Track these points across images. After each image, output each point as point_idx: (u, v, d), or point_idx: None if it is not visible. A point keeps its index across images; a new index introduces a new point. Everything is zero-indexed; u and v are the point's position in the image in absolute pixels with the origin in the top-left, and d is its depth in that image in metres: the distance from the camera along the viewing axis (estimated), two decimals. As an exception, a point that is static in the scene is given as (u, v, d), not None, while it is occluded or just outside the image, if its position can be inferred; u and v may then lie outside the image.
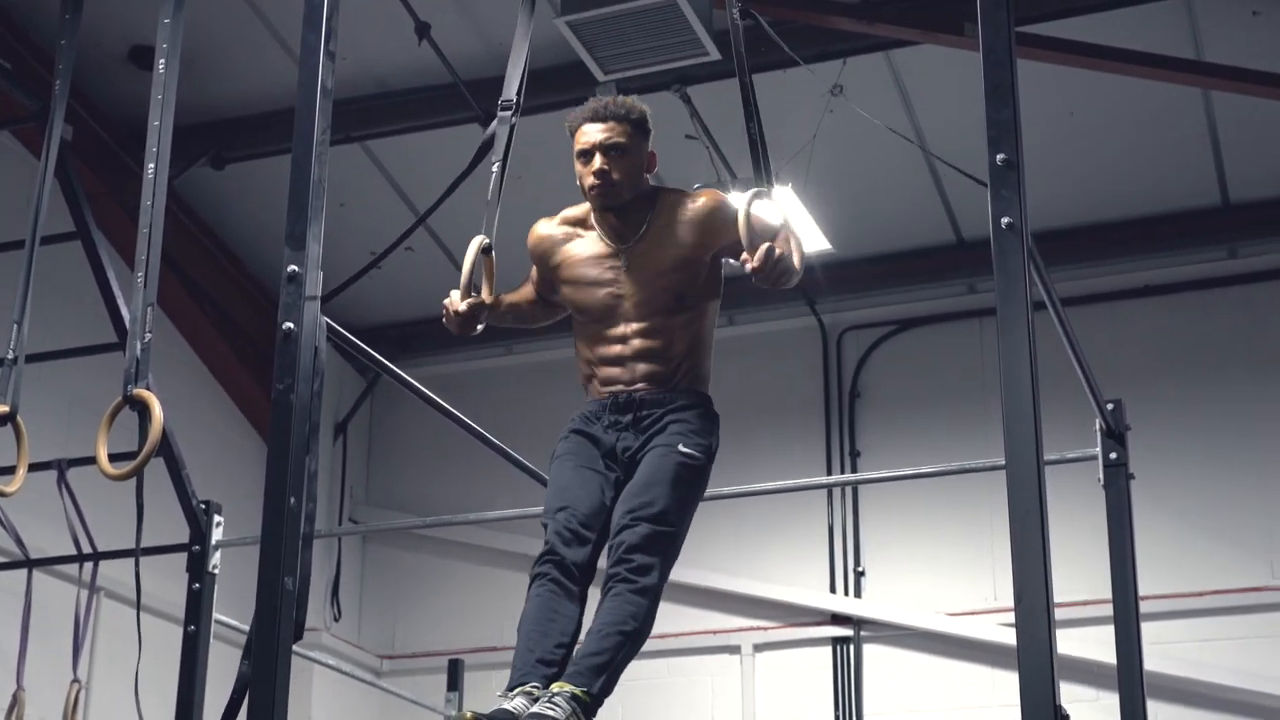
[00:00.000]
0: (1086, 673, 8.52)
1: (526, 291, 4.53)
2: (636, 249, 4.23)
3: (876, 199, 9.53)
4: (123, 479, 4.27)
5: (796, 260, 3.99)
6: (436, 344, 10.46)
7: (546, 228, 4.39)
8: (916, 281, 10.01)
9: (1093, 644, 8.07)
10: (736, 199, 4.17)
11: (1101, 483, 4.79)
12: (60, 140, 5.08)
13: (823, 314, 10.24)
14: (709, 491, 4.31)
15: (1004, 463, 3.05)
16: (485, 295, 4.24)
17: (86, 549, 5.17)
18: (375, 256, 8.93)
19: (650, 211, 4.25)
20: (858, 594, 9.80)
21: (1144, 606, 4.79)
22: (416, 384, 4.88)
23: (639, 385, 4.20)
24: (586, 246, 4.30)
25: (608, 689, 3.81)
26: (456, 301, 4.21)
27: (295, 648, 3.29)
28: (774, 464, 9.32)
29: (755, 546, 10.01)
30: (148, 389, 4.31)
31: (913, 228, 9.79)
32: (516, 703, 3.73)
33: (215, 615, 5.56)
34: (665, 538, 3.98)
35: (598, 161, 4.20)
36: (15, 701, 5.18)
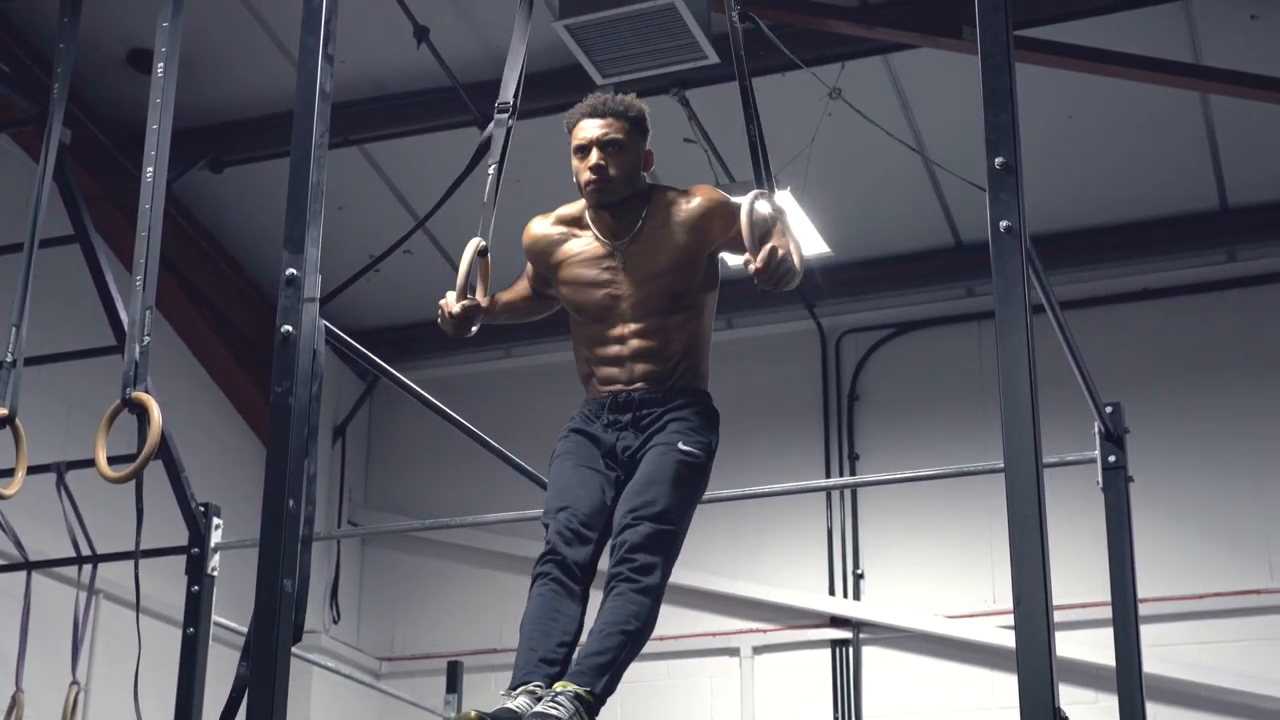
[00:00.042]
0: (1085, 675, 8.51)
1: (521, 288, 4.52)
2: (631, 248, 4.22)
3: (875, 202, 9.53)
4: (122, 481, 4.27)
5: (796, 261, 3.99)
6: (435, 347, 10.46)
7: (541, 227, 4.37)
8: (915, 285, 10.01)
9: (1092, 646, 8.07)
10: (738, 198, 4.17)
11: (1100, 485, 4.79)
12: (59, 143, 5.09)
13: (821, 317, 10.24)
14: (708, 494, 4.31)
15: (1003, 466, 3.05)
16: (480, 297, 4.23)
17: (85, 551, 5.17)
18: (373, 259, 8.92)
19: (645, 209, 4.24)
20: (857, 596, 9.80)
21: (1143, 609, 4.78)
22: (415, 387, 4.88)
23: (637, 385, 4.19)
24: (582, 246, 4.29)
25: (610, 688, 3.82)
26: (452, 303, 4.20)
27: (294, 650, 3.30)
28: (773, 467, 9.32)
29: (754, 549, 10.02)
30: (146, 392, 4.31)
31: (911, 231, 9.79)
32: (519, 702, 3.73)
33: (214, 617, 5.55)
34: (667, 536, 3.99)
35: (594, 157, 4.19)
36: (14, 703, 5.18)
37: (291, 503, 3.31)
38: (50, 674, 5.82)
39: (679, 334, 4.21)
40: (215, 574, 5.56)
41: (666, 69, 7.60)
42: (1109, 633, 4.65)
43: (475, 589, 10.45)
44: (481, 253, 4.18)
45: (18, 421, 4.76)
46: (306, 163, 3.52)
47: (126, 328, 4.45)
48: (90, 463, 4.39)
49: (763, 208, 4.01)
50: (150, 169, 4.47)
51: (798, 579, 9.91)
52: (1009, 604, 2.99)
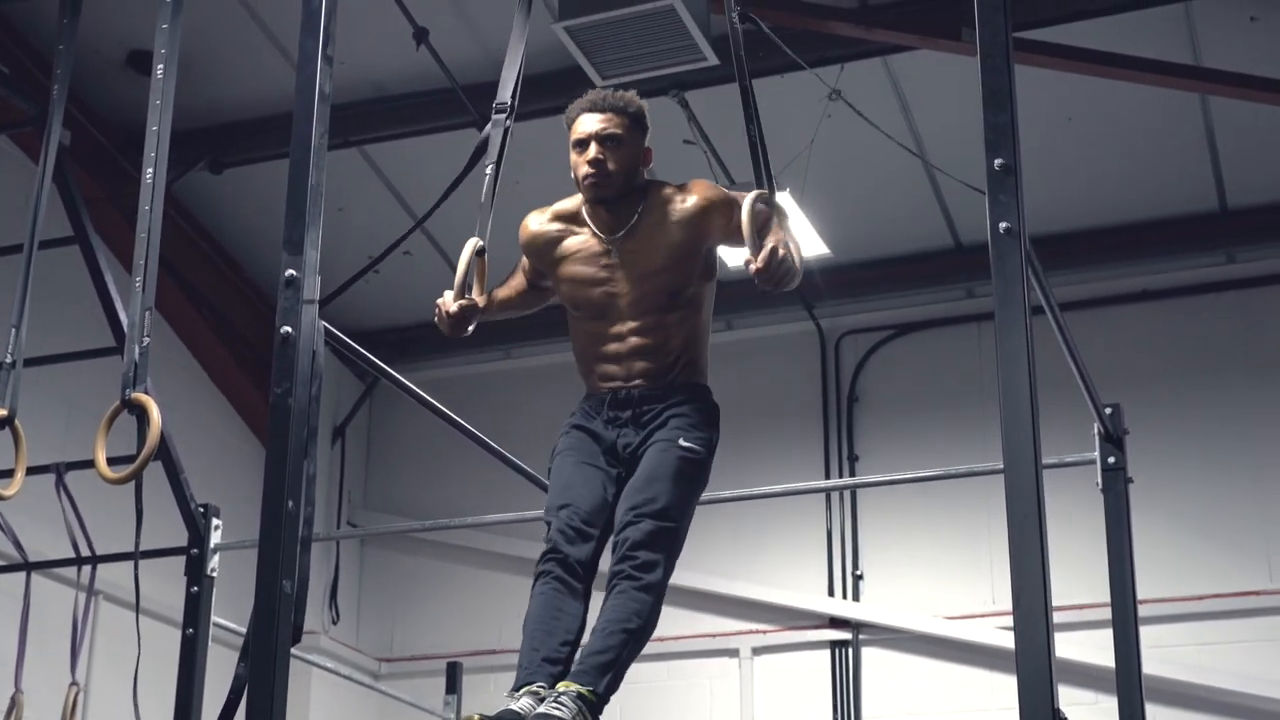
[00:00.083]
0: (1085, 676, 8.52)
1: (516, 283, 4.49)
2: (628, 246, 4.21)
3: (874, 204, 9.54)
4: (121, 482, 4.27)
5: (796, 261, 3.99)
6: (435, 348, 10.46)
7: (538, 222, 4.35)
8: (914, 286, 10.02)
9: (1091, 647, 8.07)
10: (739, 195, 4.17)
11: (1100, 487, 4.79)
12: (58, 145, 5.09)
13: (821, 318, 10.24)
14: (708, 495, 4.31)
15: (1002, 467, 3.05)
16: (477, 297, 4.23)
17: (85, 552, 5.17)
18: (372, 260, 8.92)
19: (642, 204, 4.23)
20: (856, 597, 9.80)
21: (1142, 610, 4.78)
22: (414, 388, 4.87)
23: (636, 381, 4.19)
24: (580, 243, 4.27)
25: (613, 687, 3.82)
26: (449, 302, 4.20)
27: (293, 650, 3.30)
28: (772, 468, 9.32)
29: (754, 550, 10.02)
30: (146, 393, 4.32)
31: (911, 232, 9.79)
32: (523, 703, 3.73)
33: (214, 618, 5.55)
34: (668, 533, 3.99)
35: (593, 150, 4.18)
36: (14, 704, 5.18)
37: (291, 503, 3.31)
38: (50, 675, 5.82)
39: (677, 330, 4.21)
40: (215, 575, 5.56)
41: (666, 70, 7.61)
42: (1108, 634, 4.65)
43: (474, 590, 10.45)
44: (479, 252, 4.18)
45: (17, 422, 4.76)
46: (306, 164, 3.52)
47: (126, 329, 4.46)
48: (90, 463, 4.39)
49: (762, 208, 4.01)
50: (150, 170, 4.48)
51: (797, 580, 9.91)
52: (1008, 605, 3.00)
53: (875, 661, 9.70)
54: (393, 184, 9.50)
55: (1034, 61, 7.63)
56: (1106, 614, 4.67)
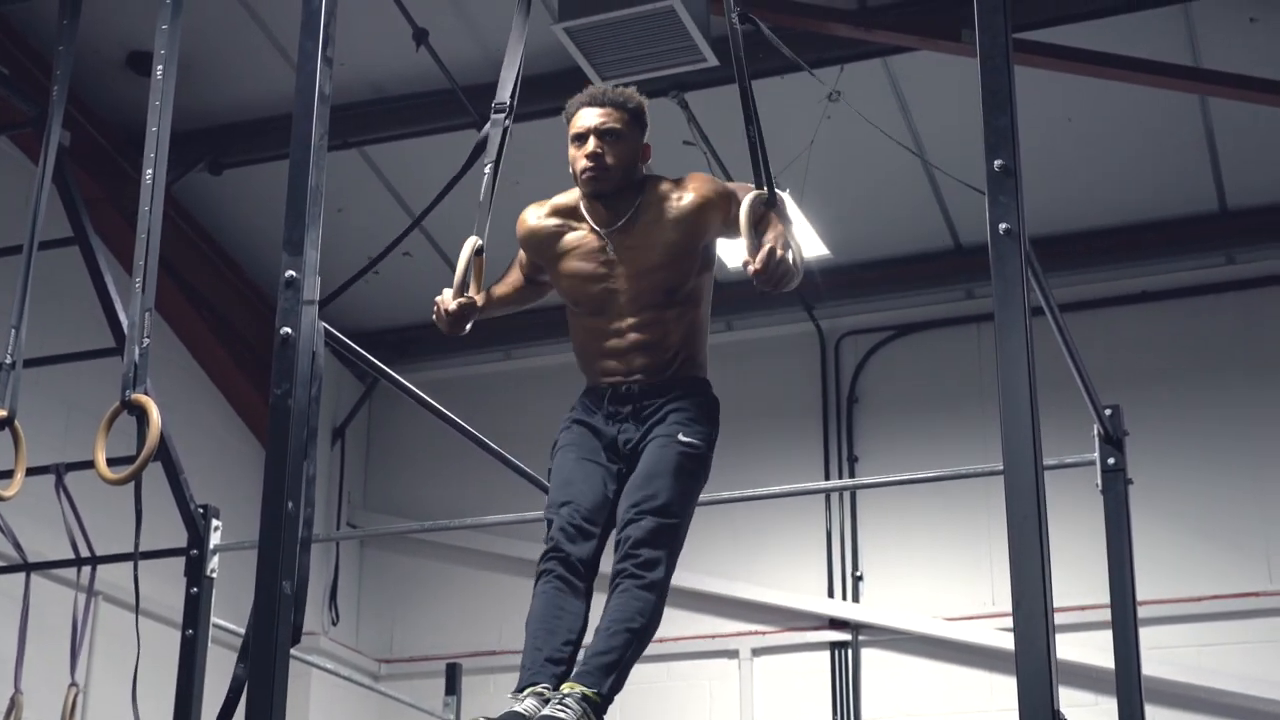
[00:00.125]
0: (1085, 677, 8.51)
1: (513, 278, 4.49)
2: (626, 242, 4.20)
3: (874, 205, 9.54)
4: (121, 483, 4.27)
5: (795, 262, 3.98)
6: (434, 349, 10.46)
7: (536, 217, 4.33)
8: (914, 287, 10.02)
9: (1091, 649, 8.07)
10: (737, 186, 4.18)
11: (1099, 488, 4.78)
12: (58, 145, 5.09)
13: (821, 319, 10.24)
14: (708, 496, 4.31)
15: (1002, 468, 3.05)
16: (476, 295, 4.24)
17: (85, 553, 5.17)
18: (371, 261, 8.92)
19: (639, 199, 4.22)
20: (856, 599, 9.80)
21: (1142, 611, 4.78)
22: (414, 389, 4.87)
23: (636, 376, 4.19)
24: (578, 239, 4.26)
25: (617, 687, 3.82)
26: (448, 300, 4.20)
27: (293, 651, 3.30)
28: (772, 469, 9.32)
29: (753, 551, 10.02)
30: (146, 394, 4.32)
31: (910, 233, 9.80)
32: (527, 704, 3.73)
33: (213, 619, 5.55)
34: (670, 530, 3.99)
35: (591, 144, 4.17)
36: (13, 705, 5.18)
37: (290, 504, 3.31)
38: (49, 675, 5.81)
39: (676, 326, 4.21)
40: (214, 575, 5.56)
41: (665, 71, 7.60)
42: (1108, 635, 4.65)
43: (474, 591, 10.45)
44: (478, 251, 4.18)
45: (17, 423, 4.76)
46: (306, 165, 3.52)
47: (126, 329, 4.46)
48: (90, 464, 4.39)
49: (761, 209, 4.01)
50: (149, 171, 4.48)
51: (797, 581, 9.91)
52: (1008, 606, 2.99)
53: (875, 663, 9.70)
54: (392, 185, 9.50)
55: (1034, 63, 7.64)
56: (1106, 615, 4.67)
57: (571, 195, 4.31)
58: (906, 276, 10.00)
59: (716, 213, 4.18)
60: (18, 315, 4.88)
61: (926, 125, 8.81)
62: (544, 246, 4.32)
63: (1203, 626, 9.06)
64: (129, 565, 4.90)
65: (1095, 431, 4.80)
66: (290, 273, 3.44)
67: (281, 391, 3.38)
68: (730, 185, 4.25)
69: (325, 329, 3.54)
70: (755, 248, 3.90)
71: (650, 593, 3.90)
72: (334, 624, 10.32)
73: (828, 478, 9.89)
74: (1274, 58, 8.04)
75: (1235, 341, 9.52)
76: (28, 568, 5.39)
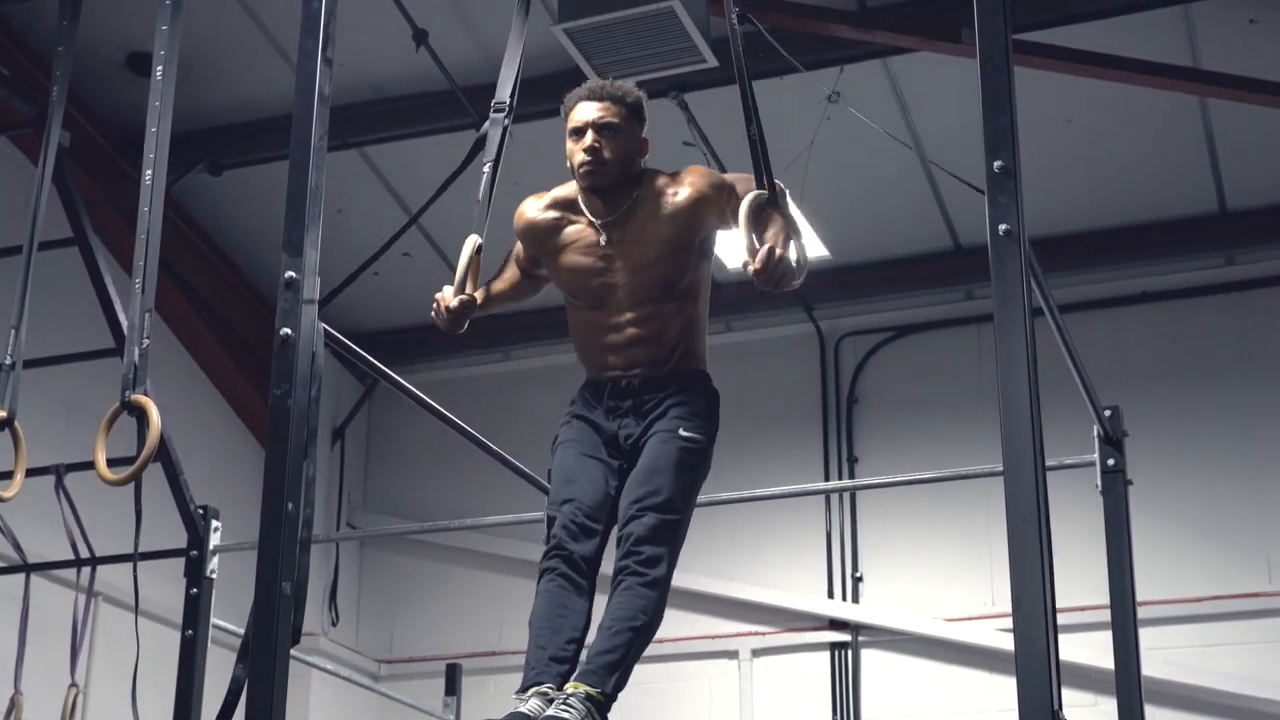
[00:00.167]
0: (1084, 678, 8.52)
1: (510, 275, 4.49)
2: (622, 235, 4.20)
3: (874, 205, 9.54)
4: (121, 484, 4.28)
5: (798, 259, 3.97)
6: (434, 350, 10.46)
7: (535, 209, 4.33)
8: (914, 288, 10.02)
9: (1091, 649, 8.07)
10: (732, 176, 4.17)
11: (1099, 489, 4.79)
12: (58, 146, 5.09)
13: (821, 320, 10.24)
14: (708, 497, 4.32)
15: (1002, 468, 3.05)
16: (475, 293, 4.24)
17: (84, 554, 5.17)
18: (368, 259, 8.91)
19: (636, 192, 4.22)
20: (855, 599, 9.80)
21: (1142, 612, 4.78)
22: (414, 389, 4.87)
23: (636, 370, 4.19)
24: (577, 233, 4.26)
25: (621, 685, 3.83)
26: (448, 297, 4.21)
27: (293, 652, 3.30)
28: (772, 469, 9.33)
29: (753, 552, 10.02)
30: (146, 394, 4.32)
31: (910, 234, 9.80)
32: (531, 704, 3.74)
33: (213, 620, 5.55)
34: (672, 526, 4.00)
35: (589, 138, 4.18)
36: (13, 705, 5.18)
37: (290, 505, 3.31)
38: (49, 676, 5.81)
39: (674, 319, 4.21)
40: (214, 576, 5.56)
41: (665, 72, 7.60)
42: (1108, 635, 4.65)
43: (473, 591, 10.46)
44: (477, 250, 4.19)
45: (17, 424, 4.76)
46: (305, 165, 3.52)
47: (125, 330, 4.46)
48: (89, 465, 4.39)
49: (760, 208, 4.01)
50: (149, 172, 4.48)
51: (797, 582, 9.91)
52: (1008, 606, 2.99)
53: (875, 663, 9.70)
54: (392, 185, 9.50)
55: (1033, 64, 7.64)
56: (1106, 616, 4.67)
57: (570, 188, 4.31)
58: (906, 277, 10.00)
59: (712, 206, 4.17)
60: (18, 316, 4.89)
61: (926, 126, 8.82)
62: (543, 239, 4.32)
63: (1203, 627, 9.06)
64: (129, 566, 4.89)
65: (1095, 432, 4.80)
66: (290, 273, 3.44)
67: (281, 392, 3.38)
68: (728, 176, 4.25)
69: (325, 329, 3.54)
70: (755, 247, 3.90)
71: (653, 590, 3.91)
72: (334, 624, 10.33)
73: (827, 478, 9.89)
74: (1274, 59, 8.04)
75: (1235, 342, 9.52)
76: (28, 568, 5.39)
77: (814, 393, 10.23)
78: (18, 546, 5.31)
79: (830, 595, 9.84)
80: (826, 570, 9.89)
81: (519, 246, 4.44)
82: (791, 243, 3.97)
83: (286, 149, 3.56)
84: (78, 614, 5.17)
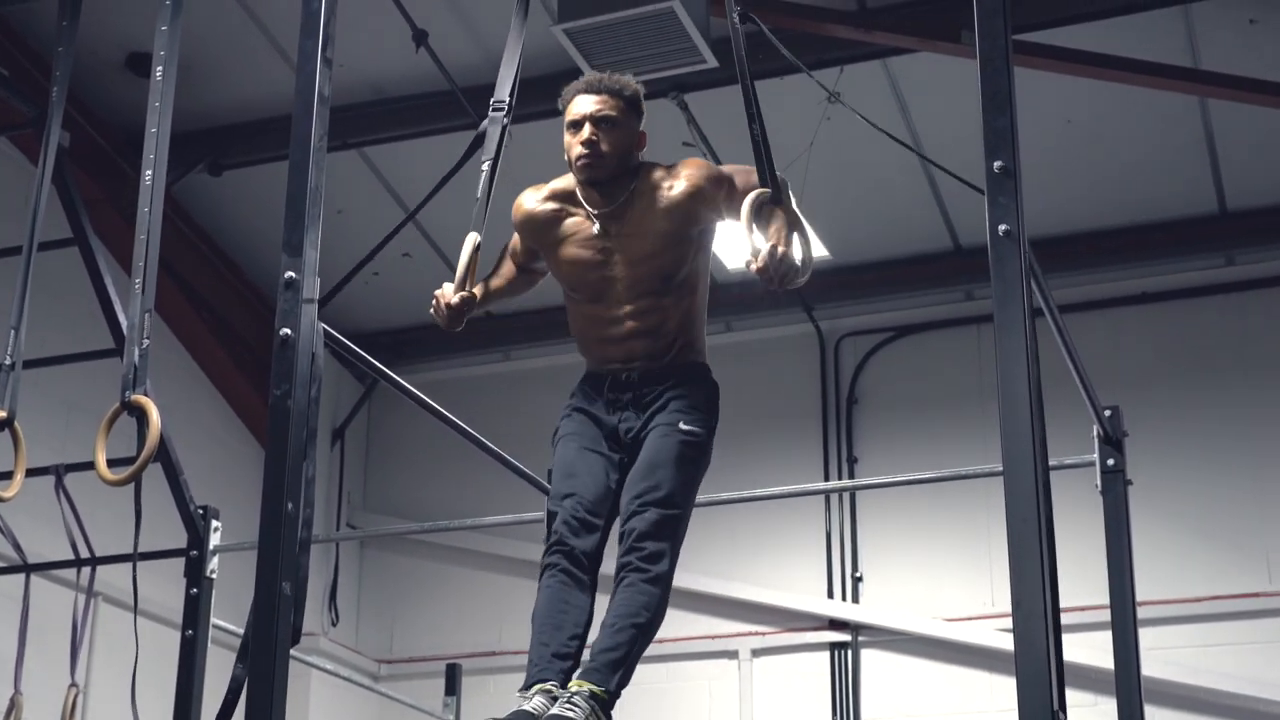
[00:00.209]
0: (1084, 678, 8.51)
1: (507, 270, 4.49)
2: (620, 228, 4.20)
3: (874, 206, 9.54)
4: (121, 484, 4.27)
5: (803, 256, 3.97)
6: (434, 350, 10.45)
7: (533, 202, 4.33)
8: (914, 288, 10.02)
9: (1090, 649, 8.07)
10: (729, 168, 4.17)
11: (1099, 489, 4.79)
12: (58, 146, 5.09)
13: (820, 320, 10.24)
14: (708, 497, 4.32)
15: (1002, 468, 3.05)
16: (475, 290, 4.25)
17: (84, 554, 5.17)
18: (364, 257, 8.89)
19: (633, 184, 4.22)
20: (855, 599, 9.80)
21: (1142, 612, 4.78)
22: (414, 390, 4.87)
23: (635, 363, 4.20)
24: (576, 226, 4.26)
25: (624, 683, 3.84)
26: (449, 294, 4.21)
27: (293, 652, 3.30)
28: (772, 470, 9.33)
29: (753, 552, 10.02)
30: (145, 395, 4.32)
31: (910, 234, 9.80)
32: (535, 702, 3.74)
33: (213, 620, 5.55)
34: (673, 520, 4.00)
35: (586, 131, 4.18)
36: (13, 705, 5.18)
37: (290, 505, 3.31)
38: (49, 676, 5.81)
39: (673, 312, 4.21)
40: (214, 576, 5.56)
41: (665, 73, 7.59)
42: (1108, 635, 4.65)
43: (473, 591, 10.45)
44: (476, 248, 4.19)
45: (17, 424, 4.76)
46: (305, 166, 3.52)
47: (125, 330, 4.46)
48: (89, 465, 4.39)
49: (763, 206, 4.01)
50: (149, 172, 4.48)
51: (797, 582, 9.91)
52: (1008, 606, 2.99)
53: (875, 663, 9.70)
54: (392, 186, 9.49)
55: (1033, 64, 7.64)
56: (1106, 616, 4.67)
57: (568, 180, 4.31)
58: (906, 277, 10.00)
59: (709, 199, 4.18)
60: (17, 316, 4.89)
61: (926, 126, 8.82)
62: (541, 231, 4.32)
63: (1203, 627, 9.06)
64: (129, 566, 4.89)
65: (1095, 432, 4.80)
66: (290, 274, 3.44)
67: (281, 392, 3.38)
68: (725, 168, 4.26)
69: (325, 330, 3.54)
70: (758, 246, 3.90)
71: (655, 586, 3.91)
72: (334, 624, 10.33)
73: (827, 478, 9.89)
74: (1274, 59, 8.04)
75: (1235, 342, 9.52)
76: (28, 568, 5.39)
77: (814, 393, 10.23)
78: (18, 546, 5.31)
79: (830, 595, 9.84)
80: (826, 570, 9.89)
81: (515, 240, 4.45)
82: (796, 238, 3.97)
83: (286, 149, 3.56)
84: (78, 614, 5.17)
